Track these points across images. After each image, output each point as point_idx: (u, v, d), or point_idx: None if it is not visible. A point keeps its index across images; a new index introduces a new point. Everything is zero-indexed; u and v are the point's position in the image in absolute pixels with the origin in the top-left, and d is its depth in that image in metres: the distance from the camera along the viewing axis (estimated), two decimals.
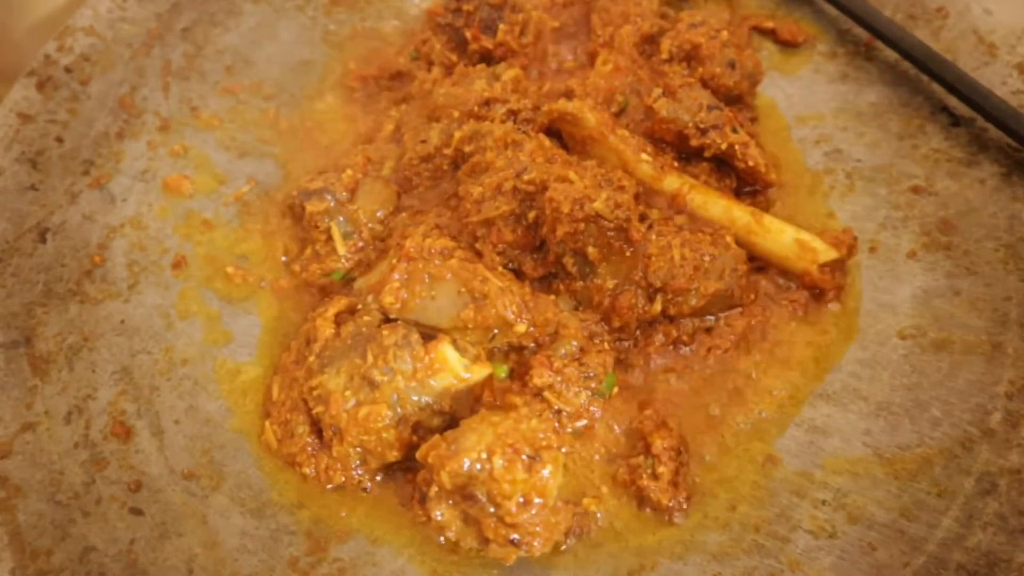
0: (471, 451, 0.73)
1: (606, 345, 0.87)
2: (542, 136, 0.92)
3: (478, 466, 0.72)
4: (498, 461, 0.72)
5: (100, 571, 0.81)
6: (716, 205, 0.92)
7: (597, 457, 0.84)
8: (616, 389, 0.87)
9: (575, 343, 0.85)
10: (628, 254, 0.87)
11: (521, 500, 0.73)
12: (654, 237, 0.88)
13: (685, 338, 0.90)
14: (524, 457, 0.73)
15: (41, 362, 0.92)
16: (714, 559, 0.79)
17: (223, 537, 0.84)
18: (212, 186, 1.05)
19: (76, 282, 0.97)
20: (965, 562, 0.77)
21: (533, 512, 0.74)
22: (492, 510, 0.73)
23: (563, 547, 0.80)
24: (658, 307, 0.88)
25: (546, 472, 0.73)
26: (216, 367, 0.93)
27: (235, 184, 1.05)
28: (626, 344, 0.90)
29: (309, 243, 0.95)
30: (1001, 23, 1.02)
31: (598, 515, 0.81)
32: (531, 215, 0.86)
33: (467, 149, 0.91)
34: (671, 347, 0.90)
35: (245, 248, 1.00)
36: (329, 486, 0.84)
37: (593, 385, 0.86)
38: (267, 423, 0.87)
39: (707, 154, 0.95)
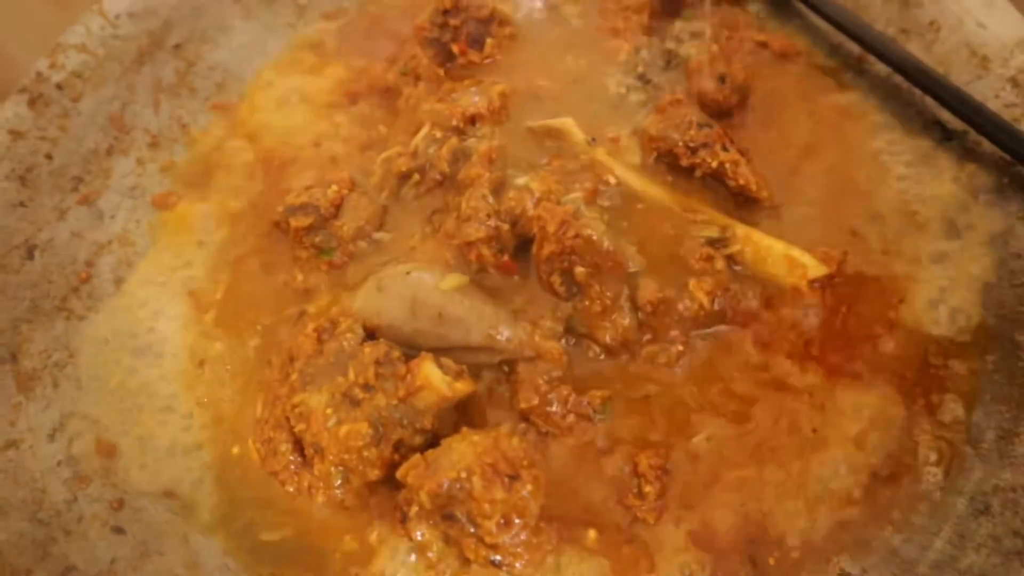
0: (450, 470, 0.72)
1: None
2: None
3: (458, 486, 0.71)
4: (477, 480, 0.71)
5: None
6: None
7: (583, 475, 0.83)
8: (606, 416, 0.86)
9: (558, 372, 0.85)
10: (616, 275, 0.86)
11: (501, 520, 0.72)
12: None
13: (675, 357, 0.89)
14: (504, 477, 0.72)
15: (26, 379, 0.92)
16: None
17: (204, 557, 0.83)
18: (201, 202, 1.04)
19: (63, 299, 0.97)
20: None
21: (514, 532, 0.72)
22: (472, 530, 0.72)
23: (547, 566, 0.78)
24: (647, 326, 0.87)
25: (526, 492, 0.72)
26: (200, 384, 0.92)
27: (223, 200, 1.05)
28: (614, 363, 0.88)
29: (295, 259, 0.95)
30: (994, 37, 1.01)
31: (585, 533, 0.80)
32: (512, 242, 0.86)
33: (451, 168, 0.91)
34: (660, 366, 0.89)
35: (233, 264, 1.00)
36: (311, 504, 0.83)
37: (583, 405, 0.85)
38: (250, 441, 0.87)
39: (698, 174, 0.94)
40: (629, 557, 0.79)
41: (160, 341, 0.95)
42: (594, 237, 0.81)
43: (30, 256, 0.98)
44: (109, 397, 0.92)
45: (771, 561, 0.78)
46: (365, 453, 0.78)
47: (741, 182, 0.93)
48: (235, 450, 0.88)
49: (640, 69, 1.05)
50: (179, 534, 0.84)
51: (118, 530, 0.84)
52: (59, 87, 1.07)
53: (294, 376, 0.83)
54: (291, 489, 0.83)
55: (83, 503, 0.85)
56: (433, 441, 0.79)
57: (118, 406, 0.91)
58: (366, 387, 0.79)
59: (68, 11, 1.19)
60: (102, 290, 0.99)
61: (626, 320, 0.86)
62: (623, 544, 0.80)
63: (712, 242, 0.90)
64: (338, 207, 0.94)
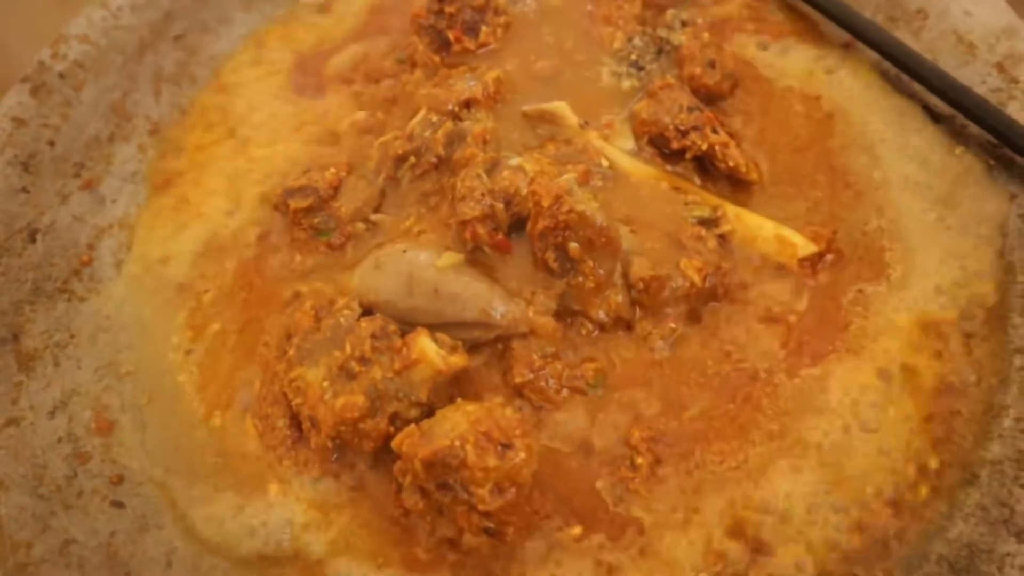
0: (444, 439, 0.72)
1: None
2: None
3: (451, 454, 0.72)
4: (471, 448, 0.72)
5: (80, 563, 0.81)
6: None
7: (576, 448, 0.84)
8: (600, 390, 0.87)
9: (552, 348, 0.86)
10: (609, 251, 0.87)
11: (495, 488, 0.72)
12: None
13: (667, 333, 0.90)
14: (497, 445, 0.73)
15: (27, 358, 0.93)
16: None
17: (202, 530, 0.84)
18: (200, 187, 1.06)
19: (64, 281, 0.99)
20: (947, 553, 0.76)
21: (507, 500, 0.73)
22: (466, 498, 0.73)
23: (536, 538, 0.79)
24: (639, 303, 0.88)
25: (519, 459, 0.73)
26: (198, 363, 0.93)
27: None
28: (607, 339, 0.90)
29: (293, 240, 0.96)
30: (980, 23, 1.02)
31: (577, 506, 0.81)
32: (506, 220, 0.87)
33: (446, 151, 0.93)
34: (652, 342, 0.90)
35: (231, 246, 1.01)
36: (309, 478, 0.84)
37: (577, 380, 0.86)
38: (248, 417, 0.88)
39: (688, 156, 0.96)
40: (621, 529, 0.80)
41: (158, 321, 0.96)
42: (587, 212, 0.82)
43: (32, 239, 1.00)
44: (109, 376, 0.93)
45: (761, 533, 0.79)
46: (361, 425, 0.79)
47: (731, 164, 0.94)
48: (233, 427, 0.89)
49: (633, 57, 1.06)
50: (178, 508, 0.85)
51: (117, 504, 0.85)
52: (61, 76, 1.09)
53: (291, 352, 0.84)
54: (288, 463, 0.85)
55: (83, 478, 0.87)
56: (428, 414, 0.80)
57: (118, 385, 0.92)
58: (362, 360, 0.80)
59: (71, 8, 1.22)
60: (103, 272, 1.00)
61: (619, 297, 0.88)
62: (615, 516, 0.81)
63: (703, 222, 0.92)
64: (336, 189, 0.95)
